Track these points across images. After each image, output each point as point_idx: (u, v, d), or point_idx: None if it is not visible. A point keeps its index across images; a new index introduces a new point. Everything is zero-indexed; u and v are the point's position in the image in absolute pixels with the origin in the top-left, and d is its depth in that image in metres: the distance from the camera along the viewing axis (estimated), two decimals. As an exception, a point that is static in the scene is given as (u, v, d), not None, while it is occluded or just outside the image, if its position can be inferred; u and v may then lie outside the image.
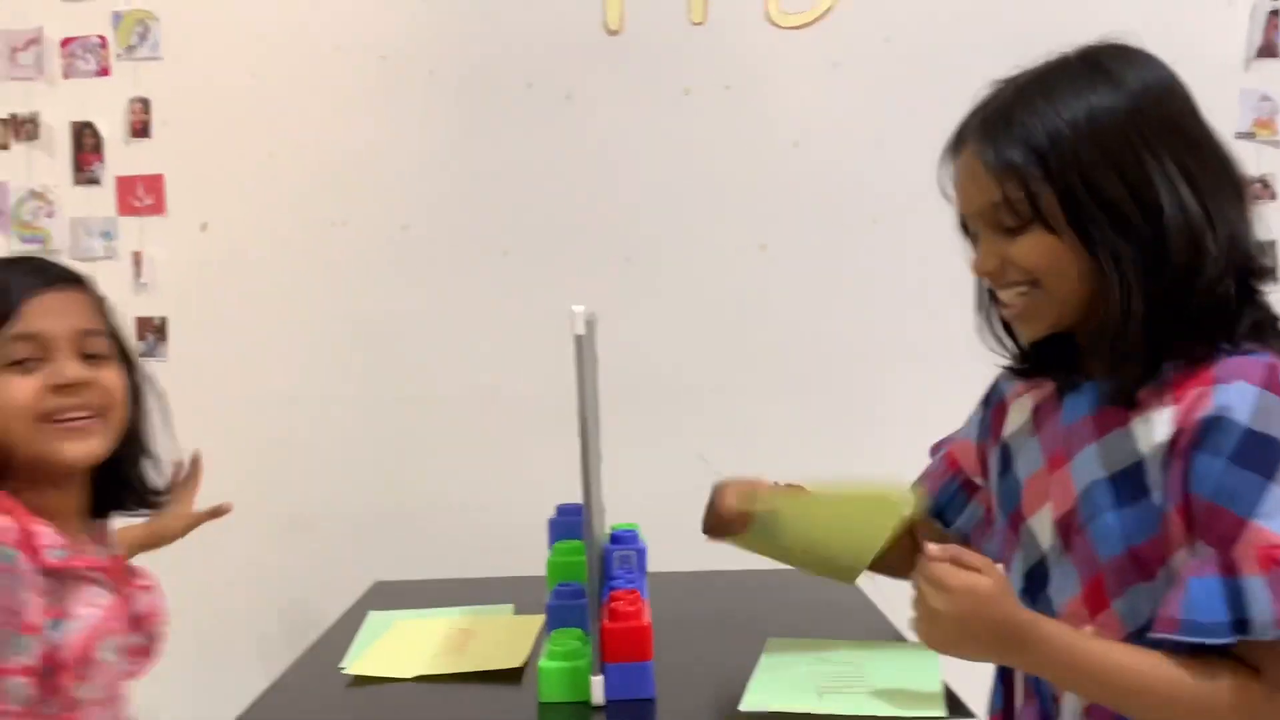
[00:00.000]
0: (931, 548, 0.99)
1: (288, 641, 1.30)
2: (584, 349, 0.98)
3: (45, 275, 1.14)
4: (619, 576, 1.18)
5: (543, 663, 1.01)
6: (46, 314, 1.12)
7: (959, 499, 1.29)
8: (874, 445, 2.27)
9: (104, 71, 2.26)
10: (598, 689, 0.98)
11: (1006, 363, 1.14)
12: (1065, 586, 1.06)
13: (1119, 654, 0.99)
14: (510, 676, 1.10)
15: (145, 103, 2.25)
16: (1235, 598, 0.92)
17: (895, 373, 2.27)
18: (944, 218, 2.44)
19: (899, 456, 2.27)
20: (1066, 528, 1.06)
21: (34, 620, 1.04)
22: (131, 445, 1.19)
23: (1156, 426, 0.98)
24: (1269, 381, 0.95)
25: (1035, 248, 1.02)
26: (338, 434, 2.24)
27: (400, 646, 1.22)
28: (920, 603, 0.98)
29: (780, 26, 2.27)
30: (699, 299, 2.28)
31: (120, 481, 1.19)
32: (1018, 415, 1.15)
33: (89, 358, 1.13)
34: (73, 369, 1.11)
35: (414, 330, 2.27)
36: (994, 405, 1.21)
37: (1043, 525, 1.09)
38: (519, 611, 1.37)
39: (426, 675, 1.12)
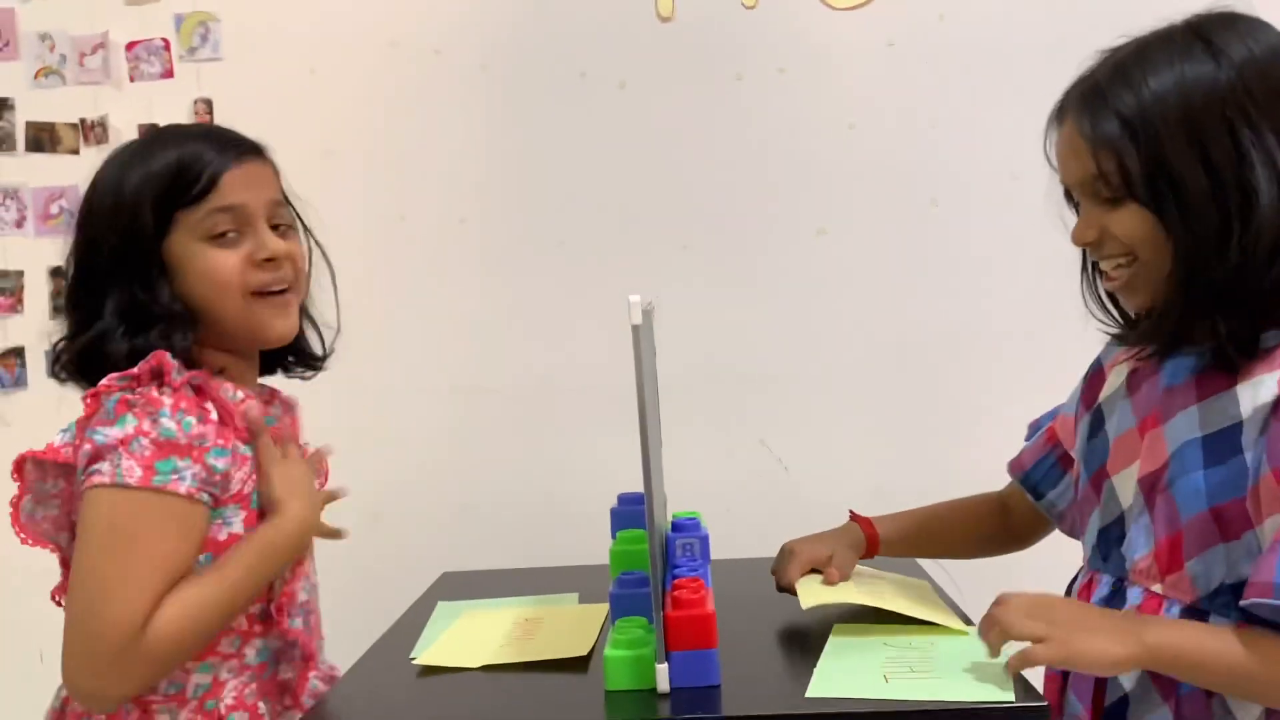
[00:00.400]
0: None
1: (359, 633, 1.32)
2: (641, 338, 0.98)
3: (238, 147, 1.18)
4: (682, 564, 1.18)
5: (608, 652, 1.02)
6: (245, 186, 1.15)
7: (1054, 473, 1.30)
8: (935, 429, 2.25)
9: (168, 74, 2.31)
10: (663, 677, 0.99)
11: (1111, 330, 1.13)
12: (1140, 543, 1.05)
13: (1230, 633, 0.96)
14: (576, 665, 1.11)
15: (208, 103, 2.29)
16: None
17: (955, 356, 2.24)
18: (1003, 197, 2.41)
19: (960, 441, 2.26)
20: (1151, 485, 1.05)
21: (236, 490, 1.12)
22: (301, 311, 1.25)
23: (1261, 390, 0.97)
24: None
25: (1131, 221, 1.02)
26: (401, 427, 2.27)
27: (468, 636, 1.24)
28: (1026, 631, 0.98)
29: (833, 7, 2.25)
30: (757, 285, 2.27)
31: (289, 347, 1.25)
32: (1115, 379, 1.16)
33: (276, 228, 1.18)
34: (274, 242, 1.16)
35: (474, 322, 2.29)
36: (1093, 373, 1.22)
37: (1126, 483, 1.08)
38: (583, 600, 1.38)
39: (494, 665, 1.13)
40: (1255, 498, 0.97)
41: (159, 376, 1.08)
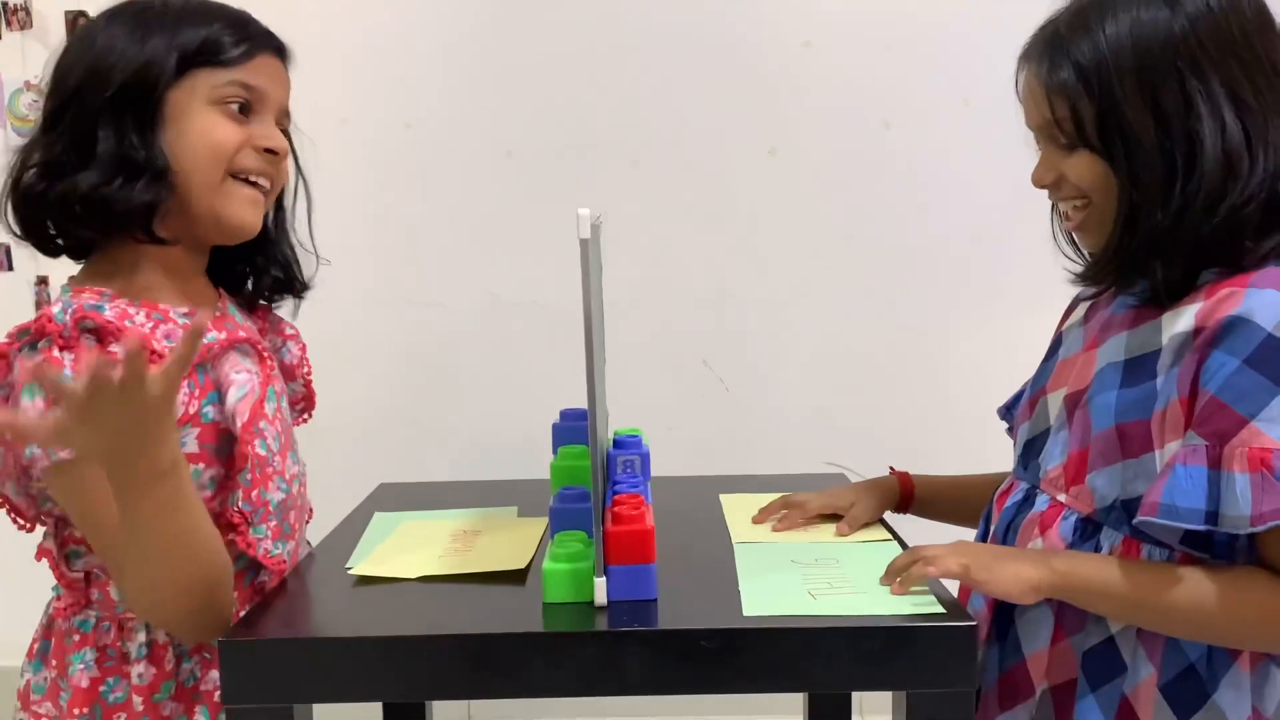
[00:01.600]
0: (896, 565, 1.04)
1: (294, 540, 1.31)
2: (589, 253, 0.97)
3: (277, 42, 1.14)
4: (622, 480, 1.19)
5: (547, 564, 1.02)
6: (270, 77, 1.12)
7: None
8: (880, 352, 2.27)
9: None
10: (600, 590, 1.00)
11: (1074, 269, 1.16)
12: (1054, 455, 1.11)
13: (1139, 564, 1.02)
14: (514, 577, 1.12)
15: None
16: (1216, 490, 0.95)
17: (902, 278, 2.26)
18: (955, 122, 2.41)
19: (905, 364, 2.29)
20: (1075, 403, 1.10)
21: (179, 413, 1.04)
22: (280, 231, 1.22)
23: (1182, 319, 1.01)
24: None
25: (1084, 167, 1.06)
26: (340, 336, 2.24)
27: (406, 547, 1.23)
28: (949, 563, 1.02)
29: (795, -80, 2.20)
30: (706, 204, 2.25)
31: (263, 266, 1.22)
32: (1079, 311, 1.20)
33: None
34: (279, 137, 1.13)
35: (417, 232, 2.25)
36: (1070, 307, 1.24)
37: (1056, 400, 1.13)
38: (522, 514, 1.38)
39: (431, 576, 1.13)
40: (1160, 421, 1.01)
41: (51, 334, 1.00)
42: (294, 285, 1.25)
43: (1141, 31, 1.01)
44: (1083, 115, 1.03)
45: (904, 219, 2.25)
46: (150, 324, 1.08)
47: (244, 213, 1.11)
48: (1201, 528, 0.95)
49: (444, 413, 2.27)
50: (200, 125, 1.07)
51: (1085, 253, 1.16)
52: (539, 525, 1.29)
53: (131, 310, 1.08)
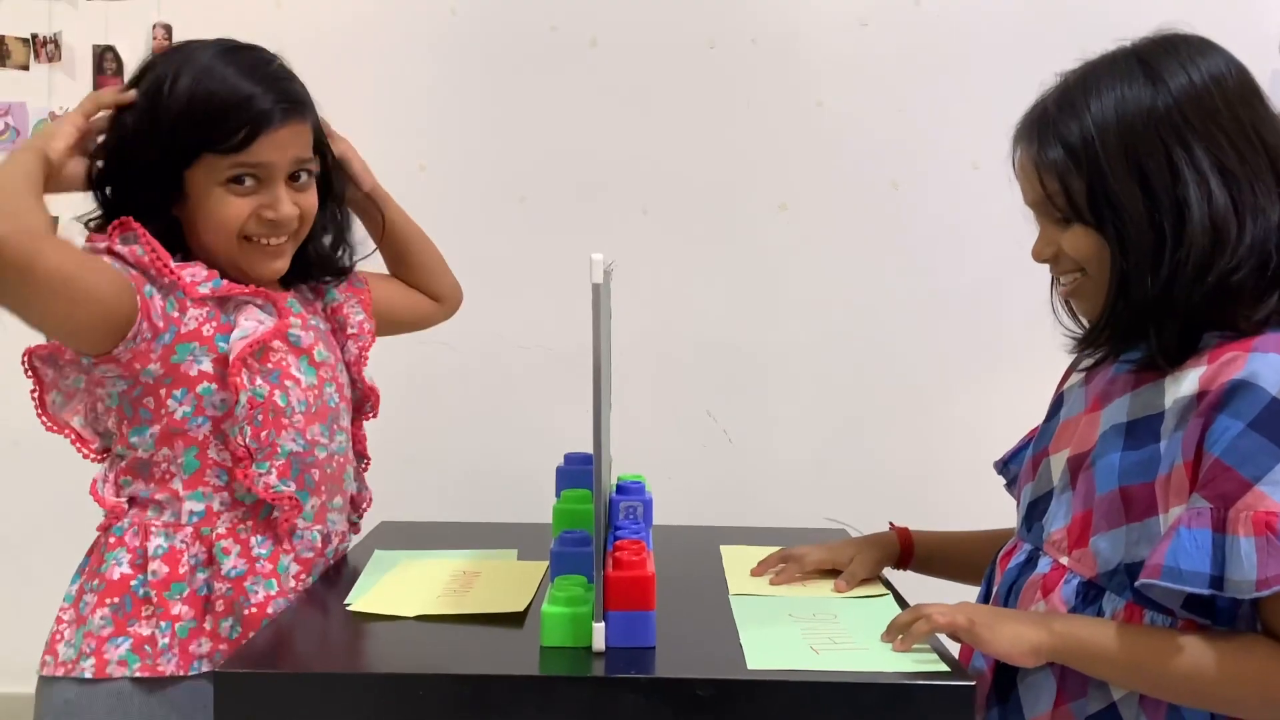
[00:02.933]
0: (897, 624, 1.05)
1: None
2: (601, 297, 0.98)
3: (286, 104, 1.24)
4: (624, 526, 1.19)
5: (546, 608, 1.02)
6: (276, 147, 1.23)
7: (1019, 458, 1.33)
8: (882, 410, 2.28)
9: (127, -6, 2.24)
10: (599, 636, 0.99)
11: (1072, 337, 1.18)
12: (1058, 517, 1.11)
13: (1139, 629, 1.02)
14: (512, 620, 1.11)
15: (168, 28, 2.24)
16: (1221, 554, 0.95)
17: (905, 338, 2.27)
18: (964, 186, 2.44)
19: (906, 423, 2.29)
20: (1078, 465, 1.11)
21: (193, 327, 1.20)
22: (328, 223, 1.35)
23: (1185, 383, 1.02)
24: None
25: (1079, 241, 1.08)
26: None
27: (404, 585, 1.23)
28: (949, 619, 1.03)
29: (810, -18, 2.24)
30: (716, 255, 2.27)
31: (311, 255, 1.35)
32: (1080, 373, 1.20)
33: (296, 178, 1.27)
34: (285, 206, 1.25)
35: (427, 272, 2.26)
36: (1068, 369, 1.25)
37: (1060, 462, 1.13)
38: (522, 557, 1.38)
39: (428, 615, 1.13)
40: (1164, 485, 1.01)
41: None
42: (338, 269, 1.39)
43: (1126, 108, 1.04)
44: (1073, 190, 1.06)
45: (908, 277, 2.26)
46: (181, 265, 1.22)
47: (261, 267, 1.27)
48: (1205, 591, 0.95)
49: (448, 452, 2.27)
50: (210, 204, 1.22)
51: (1083, 320, 1.17)
52: (539, 569, 1.29)
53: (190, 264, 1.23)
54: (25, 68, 2.26)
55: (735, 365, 2.27)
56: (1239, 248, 1.00)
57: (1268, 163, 1.03)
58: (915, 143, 2.24)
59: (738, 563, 1.31)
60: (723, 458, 2.28)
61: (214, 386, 1.21)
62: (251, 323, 1.23)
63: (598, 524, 1.03)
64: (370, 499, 1.44)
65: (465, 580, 1.26)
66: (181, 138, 1.20)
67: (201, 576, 1.22)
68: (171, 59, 1.24)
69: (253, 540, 1.24)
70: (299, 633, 1.11)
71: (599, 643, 0.99)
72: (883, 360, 2.27)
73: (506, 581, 1.24)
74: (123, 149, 1.23)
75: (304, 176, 1.27)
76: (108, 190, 1.25)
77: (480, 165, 2.27)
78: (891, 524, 1.36)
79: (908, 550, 1.32)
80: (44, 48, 2.25)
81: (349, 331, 1.40)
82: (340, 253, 1.39)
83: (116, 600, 1.20)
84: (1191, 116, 1.03)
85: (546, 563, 1.29)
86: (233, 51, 1.26)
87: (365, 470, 1.44)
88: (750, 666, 0.97)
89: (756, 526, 1.58)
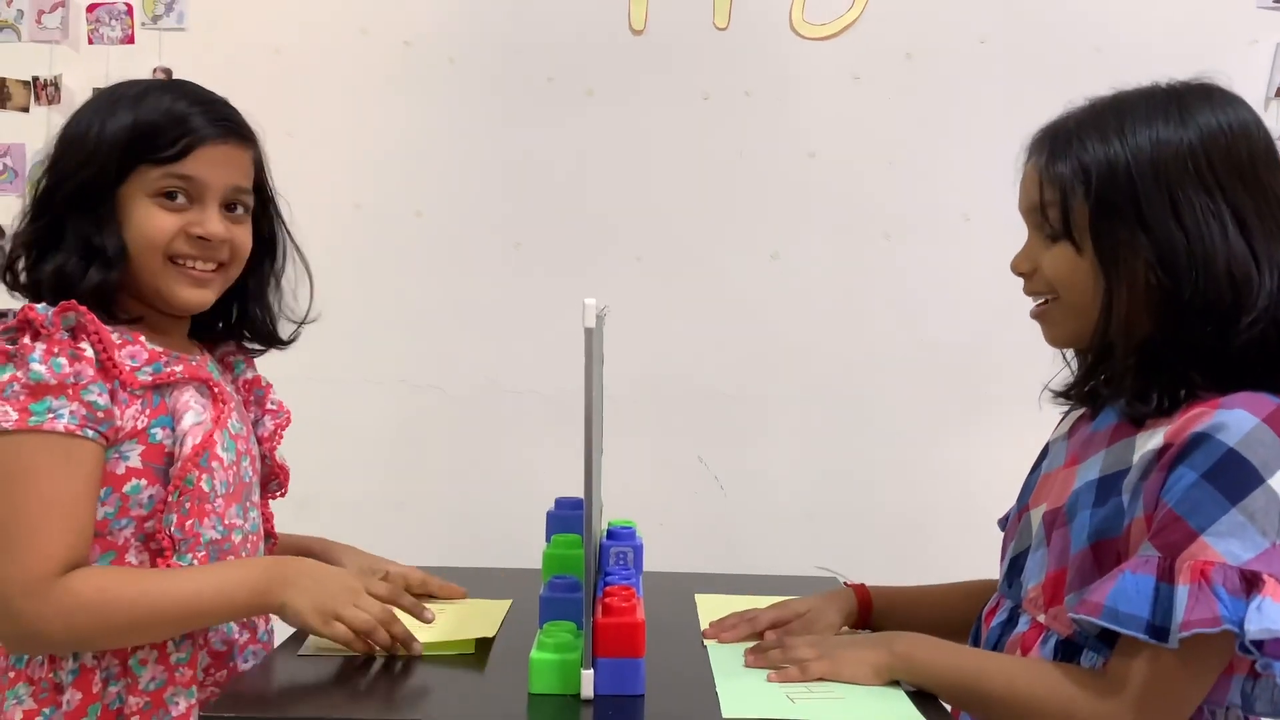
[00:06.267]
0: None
1: (279, 625, 1.31)
2: (593, 343, 0.98)
3: (226, 125, 1.21)
4: (614, 573, 1.18)
5: (534, 654, 1.01)
6: (212, 164, 1.19)
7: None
8: (874, 458, 2.28)
9: (129, 39, 2.27)
10: (587, 683, 0.99)
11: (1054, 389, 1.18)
12: (1034, 574, 1.11)
13: (974, 653, 1.09)
14: (504, 666, 1.11)
15: (168, 73, 2.26)
16: (1161, 602, 0.95)
17: (897, 388, 2.27)
18: (954, 237, 2.46)
19: (897, 468, 2.29)
20: (1052, 520, 1.10)
21: (129, 426, 1.13)
22: (255, 292, 1.30)
23: (1154, 438, 1.02)
24: (1274, 420, 0.97)
25: (1060, 261, 1.07)
26: (340, 416, 2.25)
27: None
28: (800, 653, 1.08)
29: (803, 36, 2.28)
30: (707, 302, 2.28)
31: (239, 317, 1.30)
32: (1063, 426, 1.20)
33: (230, 208, 1.22)
34: (214, 224, 1.19)
35: (422, 317, 2.28)
36: (1061, 419, 1.25)
37: (1037, 517, 1.13)
38: (514, 603, 1.37)
39: (382, 651, 1.13)
40: (1126, 539, 1.01)
41: (34, 325, 1.12)
42: (270, 340, 1.33)
43: (1159, 144, 1.03)
44: (1072, 208, 1.05)
45: (898, 328, 2.28)
46: (123, 343, 1.16)
47: (184, 294, 1.20)
48: (1142, 635, 0.95)
49: (438, 497, 2.26)
50: (138, 217, 1.17)
51: (1050, 343, 1.16)
52: (501, 607, 1.30)
53: (110, 329, 1.15)
54: (25, 109, 2.28)
55: (727, 412, 2.28)
56: (1260, 299, 1.00)
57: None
58: (906, 194, 2.27)
59: (712, 612, 1.30)
60: (714, 504, 2.28)
61: (143, 483, 1.13)
62: (194, 412, 1.17)
63: (588, 569, 1.03)
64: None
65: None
66: (118, 152, 1.15)
67: (114, 690, 1.14)
68: (103, 95, 1.21)
69: (169, 645, 1.15)
70: (279, 678, 1.10)
71: (587, 690, 0.99)
72: (873, 409, 2.27)
73: (464, 619, 1.24)
74: (59, 167, 1.17)
75: (240, 210, 1.22)
76: (42, 220, 1.17)
77: (476, 212, 2.29)
78: (846, 582, 1.34)
79: (865, 607, 1.28)
80: (44, 90, 2.27)
81: (267, 406, 1.33)
82: (273, 324, 1.32)
83: None
84: (1218, 163, 1.02)
85: (509, 601, 1.31)
86: (176, 82, 1.25)
87: (272, 552, 1.34)
88: (725, 715, 0.96)
89: (747, 574, 1.57)
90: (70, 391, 1.09)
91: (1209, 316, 1.00)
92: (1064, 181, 1.05)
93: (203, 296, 1.21)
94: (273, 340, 1.33)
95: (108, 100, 1.19)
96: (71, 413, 1.08)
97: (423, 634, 1.15)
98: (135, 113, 1.16)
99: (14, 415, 1.07)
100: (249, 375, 1.34)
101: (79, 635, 1.08)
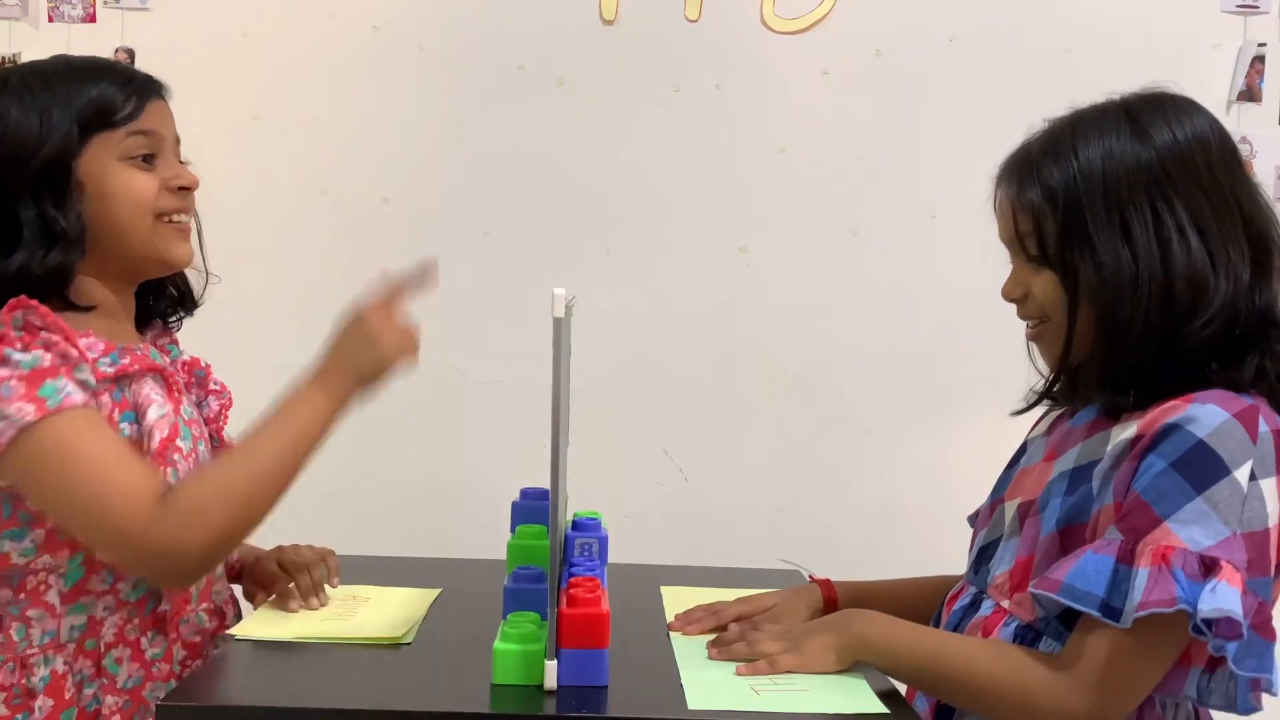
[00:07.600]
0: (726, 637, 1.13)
1: (246, 613, 1.30)
2: (561, 333, 0.98)
3: (155, 84, 1.21)
4: (579, 564, 1.18)
5: (498, 645, 1.01)
6: (161, 117, 1.20)
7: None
8: (838, 452, 2.29)
9: (90, 18, 2.23)
10: (551, 674, 0.99)
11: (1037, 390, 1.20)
12: (1003, 561, 1.13)
13: (931, 633, 1.11)
14: (467, 654, 1.10)
15: (130, 53, 2.22)
16: (1119, 583, 0.97)
17: (862, 381, 2.28)
18: (921, 233, 2.47)
19: (864, 463, 2.30)
20: (1025, 511, 1.13)
21: (106, 414, 1.10)
22: None
23: (1127, 430, 1.05)
24: (1244, 417, 0.99)
25: (1048, 285, 1.10)
26: (302, 403, 2.22)
27: (290, 611, 1.24)
28: (765, 647, 1.09)
29: (774, 30, 2.28)
30: (675, 295, 2.28)
31: (162, 290, 1.29)
32: (1044, 423, 1.23)
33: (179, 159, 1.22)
34: (188, 173, 1.21)
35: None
36: (1040, 418, 1.27)
37: (1011, 508, 1.15)
38: (476, 593, 1.37)
39: (304, 638, 1.13)
40: (1094, 524, 1.04)
41: None
42: (187, 303, 1.32)
43: (1112, 158, 1.05)
44: (1045, 233, 1.07)
45: (866, 323, 2.29)
46: (79, 334, 1.12)
47: (179, 249, 1.21)
48: (1093, 611, 0.97)
49: (403, 486, 2.25)
50: (118, 184, 1.15)
51: (1046, 366, 1.19)
52: (427, 597, 1.30)
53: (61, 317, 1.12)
54: (-16, 88, 2.24)
55: (693, 405, 2.28)
56: (1214, 302, 1.02)
57: (1241, 225, 1.06)
58: (874, 190, 2.28)
59: (678, 604, 1.30)
60: (679, 497, 2.28)
61: None
62: (157, 405, 1.15)
63: (553, 560, 1.03)
64: (238, 558, 1.35)
65: (350, 606, 1.26)
66: (67, 123, 1.12)
67: (89, 692, 1.12)
68: (18, 83, 1.15)
69: (143, 641, 1.15)
70: (244, 666, 1.10)
71: (550, 681, 0.99)
72: (840, 403, 2.28)
73: (391, 609, 1.24)
74: (3, 158, 1.12)
75: (184, 162, 1.23)
76: None
77: (444, 200, 2.27)
78: (811, 576, 1.35)
79: (830, 601, 1.29)
80: (3, 67, 2.23)
81: (210, 387, 1.32)
82: (186, 283, 1.31)
83: None
84: (1174, 173, 1.04)
85: (438, 590, 1.32)
86: (72, 59, 1.21)
87: None
88: (691, 707, 0.97)
89: (711, 566, 1.58)
90: (65, 370, 1.07)
91: (1147, 337, 1.03)
92: (1035, 209, 1.08)
93: (190, 250, 1.22)
94: (190, 300, 1.32)
95: (27, 83, 1.14)
96: (76, 386, 1.07)
97: (348, 628, 1.16)
98: (76, 83, 1.14)
99: (30, 408, 1.04)
100: (185, 357, 1.33)
101: (216, 530, 1.05)
